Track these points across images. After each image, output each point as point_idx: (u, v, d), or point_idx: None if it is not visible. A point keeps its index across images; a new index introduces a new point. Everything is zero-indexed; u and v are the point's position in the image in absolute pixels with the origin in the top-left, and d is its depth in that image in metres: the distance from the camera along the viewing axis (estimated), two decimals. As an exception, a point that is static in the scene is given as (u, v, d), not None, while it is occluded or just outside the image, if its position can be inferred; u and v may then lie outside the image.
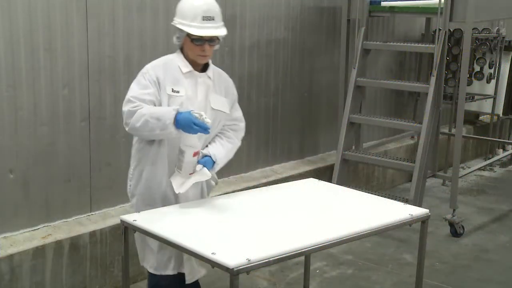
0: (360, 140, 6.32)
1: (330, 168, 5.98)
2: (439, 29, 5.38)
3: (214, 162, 3.24)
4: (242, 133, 3.49)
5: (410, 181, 5.72)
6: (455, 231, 5.55)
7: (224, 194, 3.95)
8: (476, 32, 7.23)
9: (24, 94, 3.86)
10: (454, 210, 5.57)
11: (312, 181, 3.79)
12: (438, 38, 5.36)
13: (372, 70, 6.64)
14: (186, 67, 3.24)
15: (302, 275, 3.98)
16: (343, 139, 5.77)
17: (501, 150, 8.53)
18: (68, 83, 4.08)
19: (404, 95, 7.33)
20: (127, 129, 3.16)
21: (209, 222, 2.97)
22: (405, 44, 6.19)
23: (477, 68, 7.42)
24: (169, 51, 4.61)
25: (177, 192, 3.18)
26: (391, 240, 5.33)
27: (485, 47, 7.30)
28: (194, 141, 3.08)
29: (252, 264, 2.48)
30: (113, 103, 4.35)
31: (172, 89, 3.18)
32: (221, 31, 3.20)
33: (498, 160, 7.91)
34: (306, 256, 3.82)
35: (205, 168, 3.20)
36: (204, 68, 3.30)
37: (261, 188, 3.67)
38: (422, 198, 5.60)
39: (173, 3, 4.61)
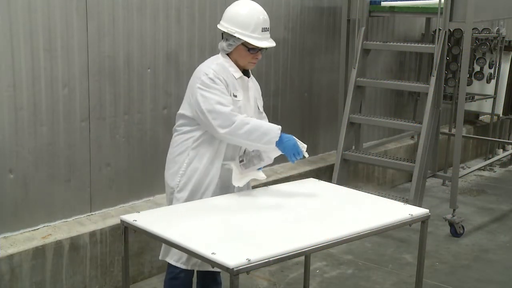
0: (360, 140, 6.32)
1: (330, 168, 5.98)
2: (439, 29, 5.38)
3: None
4: None
5: (410, 181, 5.72)
6: (455, 231, 5.56)
7: (224, 194, 3.94)
8: (476, 32, 7.24)
9: (24, 94, 3.86)
10: (454, 210, 5.57)
11: (312, 181, 3.78)
12: (438, 38, 5.36)
13: (372, 70, 6.64)
14: (238, 72, 3.41)
15: (302, 275, 3.98)
16: (343, 139, 5.77)
17: (501, 150, 8.53)
18: (68, 83, 4.08)
19: (404, 95, 7.34)
20: (222, 132, 3.25)
21: (209, 222, 2.97)
22: (405, 44, 6.19)
23: (477, 68, 7.43)
24: (169, 51, 4.65)
25: (236, 184, 3.40)
26: (391, 240, 5.33)
27: (485, 47, 7.30)
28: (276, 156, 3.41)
29: (252, 264, 2.48)
30: (113, 103, 4.35)
31: (233, 93, 3.36)
32: (274, 41, 3.45)
33: (498, 160, 7.92)
34: (306, 256, 3.82)
35: (261, 171, 3.48)
36: (246, 72, 3.48)
37: (261, 188, 3.66)
38: (422, 198, 5.60)
39: (173, 3, 4.66)
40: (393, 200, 3.53)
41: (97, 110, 4.27)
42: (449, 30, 6.11)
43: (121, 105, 4.41)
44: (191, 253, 2.65)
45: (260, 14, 3.40)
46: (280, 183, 4.19)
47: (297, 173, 5.75)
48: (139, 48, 4.46)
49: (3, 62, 3.74)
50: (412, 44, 6.25)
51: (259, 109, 3.60)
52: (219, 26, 3.40)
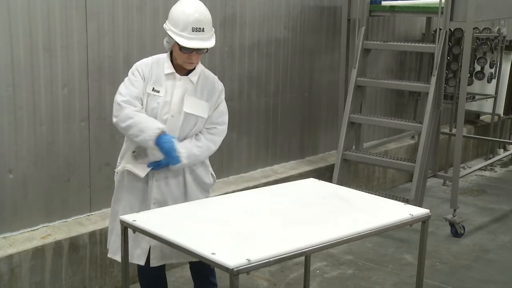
0: (360, 140, 6.31)
1: (330, 168, 5.97)
2: (440, 29, 5.37)
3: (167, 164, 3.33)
4: (219, 137, 3.52)
5: (411, 181, 5.71)
6: (456, 231, 5.55)
7: (224, 194, 3.94)
8: (477, 31, 7.23)
9: (24, 94, 3.86)
10: (454, 210, 5.56)
11: (312, 181, 3.78)
12: (439, 37, 5.35)
13: (373, 70, 6.63)
14: (169, 68, 3.36)
15: (302, 275, 3.97)
16: (343, 139, 5.76)
17: (502, 150, 8.53)
18: (68, 83, 4.08)
19: (404, 95, 7.33)
20: (114, 120, 3.35)
21: (209, 222, 2.96)
22: (406, 43, 6.17)
23: (477, 67, 7.42)
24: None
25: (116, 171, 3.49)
26: (391, 240, 5.32)
27: (486, 46, 7.29)
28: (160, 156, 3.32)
29: (252, 264, 2.47)
30: (113, 103, 4.33)
31: (153, 88, 3.34)
32: (209, 43, 3.27)
33: (499, 160, 7.91)
34: (306, 256, 3.81)
35: (147, 168, 3.35)
36: (189, 71, 3.40)
37: (261, 188, 3.65)
38: (422, 198, 5.59)
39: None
40: (394, 200, 3.52)
41: (97, 110, 4.26)
42: (450, 29, 6.10)
43: (121, 105, 4.40)
44: (191, 253, 2.65)
45: (194, 13, 3.24)
46: (280, 183, 4.19)
47: (297, 173, 5.74)
48: (139, 48, 4.45)
49: (2, 61, 3.73)
50: (413, 44, 6.24)
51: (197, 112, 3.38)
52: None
